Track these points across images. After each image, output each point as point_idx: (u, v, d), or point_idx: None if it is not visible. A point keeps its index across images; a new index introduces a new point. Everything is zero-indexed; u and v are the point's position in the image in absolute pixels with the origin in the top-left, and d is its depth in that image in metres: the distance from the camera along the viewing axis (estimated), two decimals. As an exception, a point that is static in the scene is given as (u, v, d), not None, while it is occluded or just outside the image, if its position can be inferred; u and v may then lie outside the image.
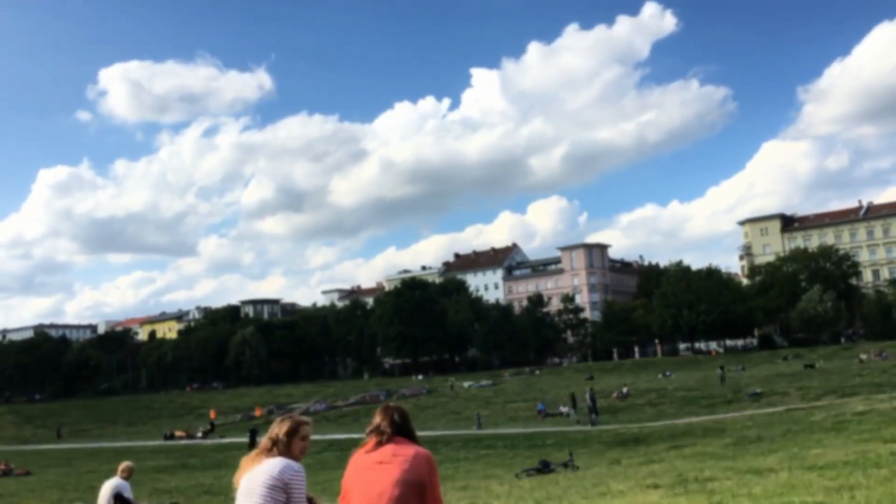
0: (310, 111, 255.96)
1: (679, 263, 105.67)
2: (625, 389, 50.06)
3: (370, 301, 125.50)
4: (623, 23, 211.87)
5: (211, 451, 36.24)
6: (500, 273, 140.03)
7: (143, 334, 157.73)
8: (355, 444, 4.27)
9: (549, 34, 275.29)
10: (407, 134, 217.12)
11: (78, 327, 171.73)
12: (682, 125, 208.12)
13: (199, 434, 49.40)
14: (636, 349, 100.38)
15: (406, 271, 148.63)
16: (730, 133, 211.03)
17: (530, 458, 21.01)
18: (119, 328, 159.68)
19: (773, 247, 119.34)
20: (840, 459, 11.75)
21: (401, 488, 3.84)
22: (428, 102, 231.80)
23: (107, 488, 11.13)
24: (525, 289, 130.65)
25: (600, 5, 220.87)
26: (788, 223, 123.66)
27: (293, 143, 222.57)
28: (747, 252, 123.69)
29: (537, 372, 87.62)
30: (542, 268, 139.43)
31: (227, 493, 14.70)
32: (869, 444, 14.02)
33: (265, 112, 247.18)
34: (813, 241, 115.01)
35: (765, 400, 39.13)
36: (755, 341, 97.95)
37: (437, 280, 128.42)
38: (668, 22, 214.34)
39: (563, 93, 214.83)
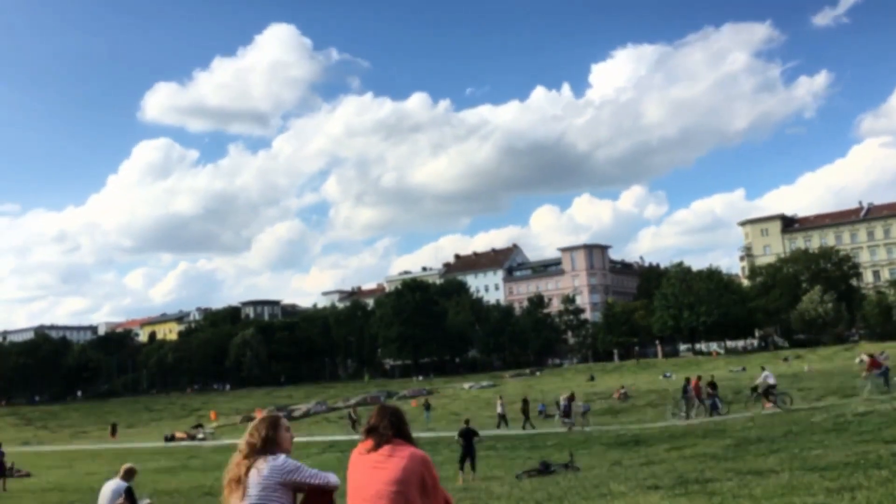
0: (423, 98, 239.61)
1: (680, 264, 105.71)
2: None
3: (371, 302, 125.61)
4: (820, 17, 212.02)
5: (211, 453, 36.21)
6: (500, 274, 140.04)
7: (143, 336, 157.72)
8: (355, 445, 4.31)
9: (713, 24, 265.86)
10: (517, 119, 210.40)
11: (78, 328, 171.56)
12: (783, 120, 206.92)
13: (200, 436, 49.59)
14: (637, 350, 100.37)
15: (407, 272, 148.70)
16: (827, 126, 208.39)
17: (531, 460, 21.00)
18: (119, 329, 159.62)
19: (773, 248, 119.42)
20: (841, 460, 11.74)
21: (396, 488, 3.90)
22: (549, 90, 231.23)
23: (108, 490, 11.14)
24: (526, 290, 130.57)
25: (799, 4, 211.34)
26: (789, 224, 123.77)
27: (389, 130, 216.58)
28: (748, 253, 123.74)
29: (538, 373, 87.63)
30: (542, 269, 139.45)
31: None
32: (870, 444, 14.00)
33: (379, 98, 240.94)
34: (813, 241, 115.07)
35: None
36: (756, 342, 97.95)
37: (438, 281, 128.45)
38: (843, 21, 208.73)
39: (689, 80, 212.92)
